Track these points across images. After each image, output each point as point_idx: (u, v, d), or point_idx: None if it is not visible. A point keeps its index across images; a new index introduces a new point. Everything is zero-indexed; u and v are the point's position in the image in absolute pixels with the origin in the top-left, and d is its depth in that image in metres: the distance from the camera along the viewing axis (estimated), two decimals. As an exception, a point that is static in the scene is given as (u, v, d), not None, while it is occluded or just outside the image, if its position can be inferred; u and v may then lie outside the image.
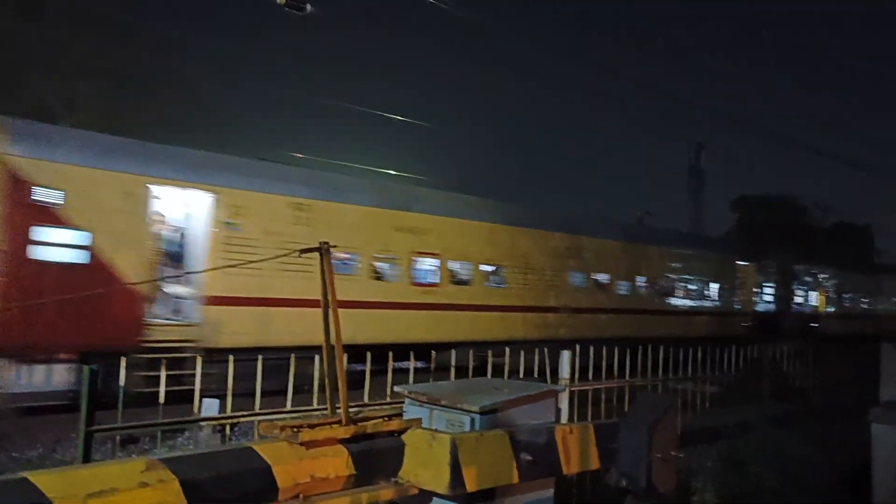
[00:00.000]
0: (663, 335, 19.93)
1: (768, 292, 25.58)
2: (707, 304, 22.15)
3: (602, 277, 17.79)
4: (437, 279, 13.31)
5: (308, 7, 11.17)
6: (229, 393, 4.99)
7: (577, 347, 6.21)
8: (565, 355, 5.93)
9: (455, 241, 13.48)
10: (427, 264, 13.29)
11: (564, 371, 5.94)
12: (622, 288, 18.44)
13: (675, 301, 20.65)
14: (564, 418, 5.91)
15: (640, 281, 19.19)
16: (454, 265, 13.72)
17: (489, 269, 14.53)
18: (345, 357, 3.29)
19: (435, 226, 13.22)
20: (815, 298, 28.64)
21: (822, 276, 29.09)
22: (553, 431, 3.69)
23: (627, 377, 6.78)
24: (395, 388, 4.02)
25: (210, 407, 8.31)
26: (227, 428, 4.38)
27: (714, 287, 22.51)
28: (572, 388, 6.02)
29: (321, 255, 3.23)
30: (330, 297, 3.22)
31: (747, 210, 47.24)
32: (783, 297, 26.17)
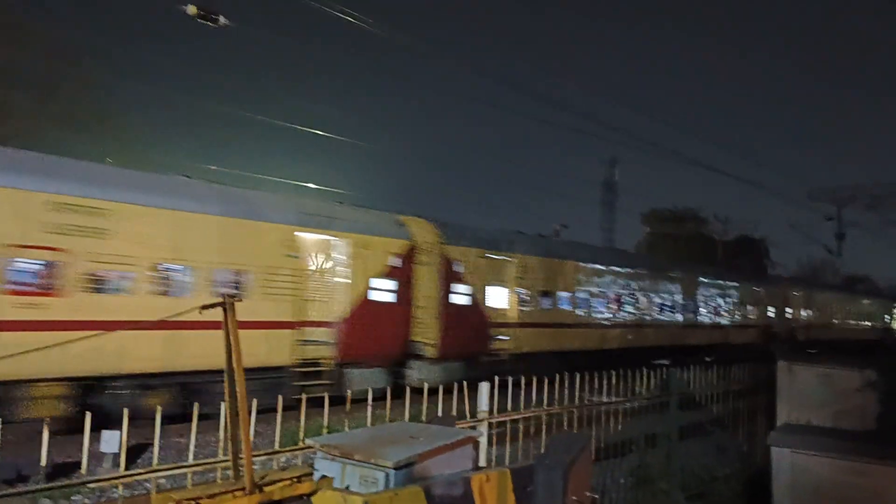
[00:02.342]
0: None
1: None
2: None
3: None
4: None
5: (221, 19, 10.73)
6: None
7: (497, 379, 6.20)
8: (484, 388, 5.90)
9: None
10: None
11: (483, 403, 5.90)
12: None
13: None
14: (483, 451, 5.87)
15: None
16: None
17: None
18: (252, 415, 3.10)
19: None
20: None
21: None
22: (470, 481, 3.61)
23: (545, 405, 6.84)
24: (307, 441, 3.83)
25: (110, 440, 7.74)
26: (121, 488, 4.02)
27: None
28: (491, 420, 5.99)
29: (224, 310, 3.03)
30: (234, 354, 3.02)
31: (657, 223, 49.45)
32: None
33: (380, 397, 5.94)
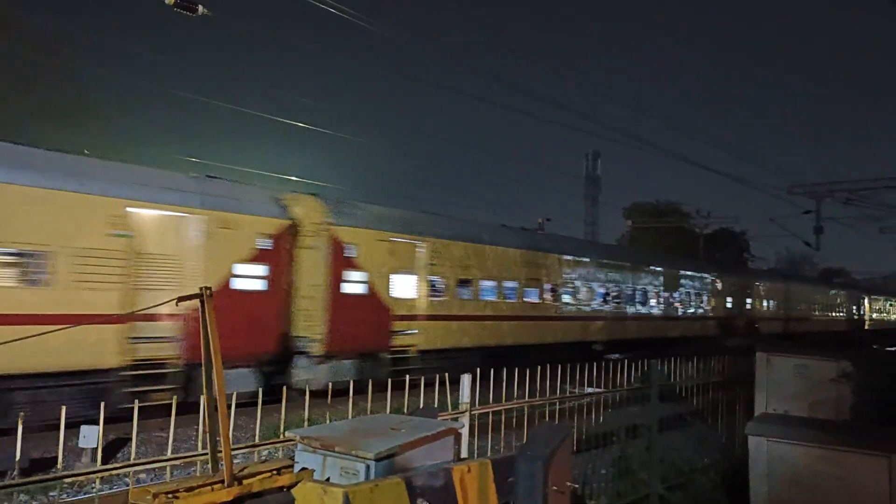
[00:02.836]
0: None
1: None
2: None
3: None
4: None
5: (200, 8, 10.58)
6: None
7: (479, 371, 6.22)
8: (465, 379, 5.90)
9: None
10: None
11: (465, 395, 5.91)
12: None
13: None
14: (465, 442, 5.89)
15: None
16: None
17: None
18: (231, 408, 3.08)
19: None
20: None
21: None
22: (451, 472, 3.62)
23: (527, 396, 6.88)
24: (287, 433, 3.81)
25: (89, 435, 7.64)
26: (98, 481, 3.98)
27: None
28: (473, 412, 6.01)
29: (202, 302, 3.00)
30: (213, 347, 2.99)
31: (639, 217, 49.82)
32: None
33: (360, 390, 5.94)
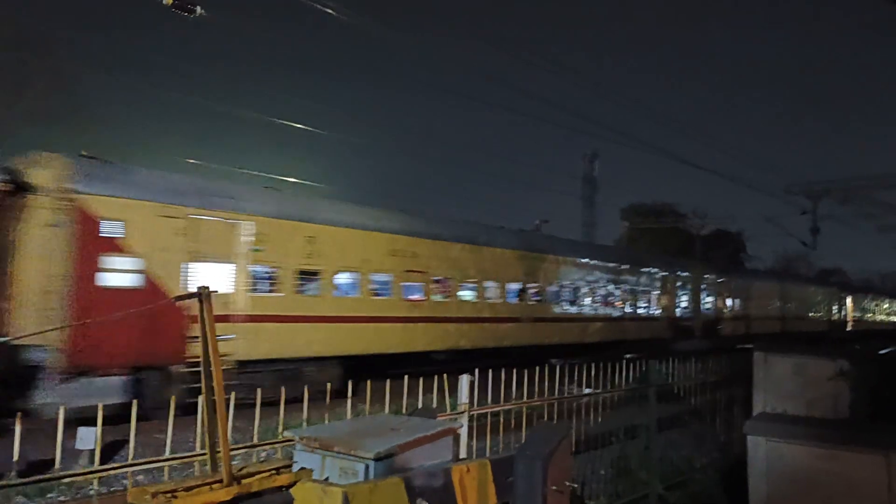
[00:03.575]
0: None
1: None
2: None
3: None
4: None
5: (198, 9, 10.58)
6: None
7: (477, 372, 6.22)
8: (464, 380, 5.91)
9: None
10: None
11: (464, 396, 5.92)
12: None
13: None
14: (464, 443, 5.89)
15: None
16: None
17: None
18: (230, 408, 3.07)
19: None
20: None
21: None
22: (450, 472, 3.62)
23: (525, 397, 6.89)
24: (286, 433, 3.81)
25: (86, 436, 7.61)
26: (97, 482, 3.96)
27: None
28: (472, 413, 6.02)
29: (200, 301, 3.00)
30: (211, 347, 2.99)
31: (636, 217, 49.89)
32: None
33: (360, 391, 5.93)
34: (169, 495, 2.70)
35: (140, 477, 6.11)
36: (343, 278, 14.20)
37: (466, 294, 17.25)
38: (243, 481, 2.96)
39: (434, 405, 5.90)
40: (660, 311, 25.53)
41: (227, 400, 3.89)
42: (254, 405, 4.70)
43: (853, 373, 7.08)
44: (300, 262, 13.12)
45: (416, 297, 15.70)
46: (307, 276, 13.28)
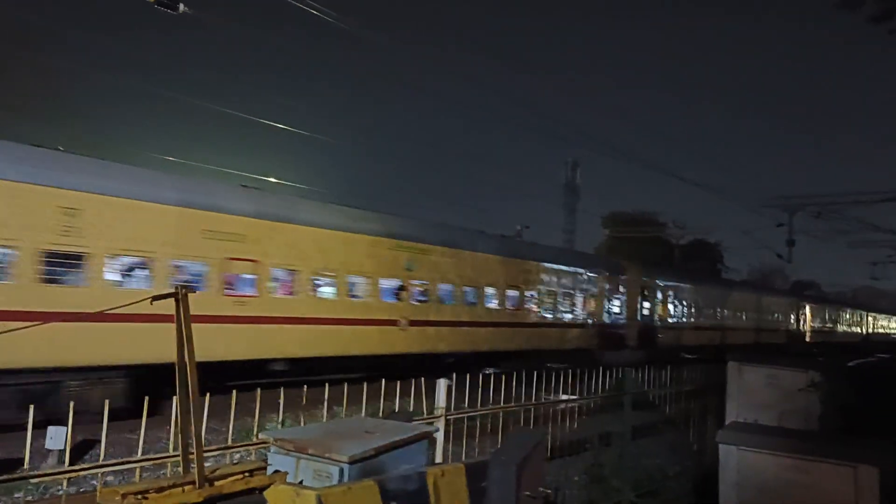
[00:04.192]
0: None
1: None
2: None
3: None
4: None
5: (181, 7, 10.49)
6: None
7: (454, 376, 6.22)
8: (442, 384, 5.91)
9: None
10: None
11: (441, 400, 5.92)
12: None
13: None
14: (440, 447, 5.88)
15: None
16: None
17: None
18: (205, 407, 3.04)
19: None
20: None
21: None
22: (425, 476, 3.62)
23: (503, 402, 6.90)
24: (261, 435, 3.78)
25: (56, 436, 7.48)
26: (65, 483, 3.89)
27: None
28: (448, 417, 6.02)
29: (177, 300, 2.97)
30: (187, 347, 2.96)
31: (617, 226, 50.31)
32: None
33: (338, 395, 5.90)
34: (139, 496, 2.66)
35: (110, 478, 6.02)
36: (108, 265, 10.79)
37: (323, 290, 14.03)
38: (216, 483, 2.93)
39: (411, 409, 5.89)
40: (587, 317, 22.12)
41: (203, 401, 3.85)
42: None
43: (824, 385, 7.20)
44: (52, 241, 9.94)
45: (251, 291, 12.51)
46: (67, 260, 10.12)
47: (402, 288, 15.62)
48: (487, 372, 14.01)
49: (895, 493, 5.21)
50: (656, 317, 25.87)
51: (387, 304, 15.24)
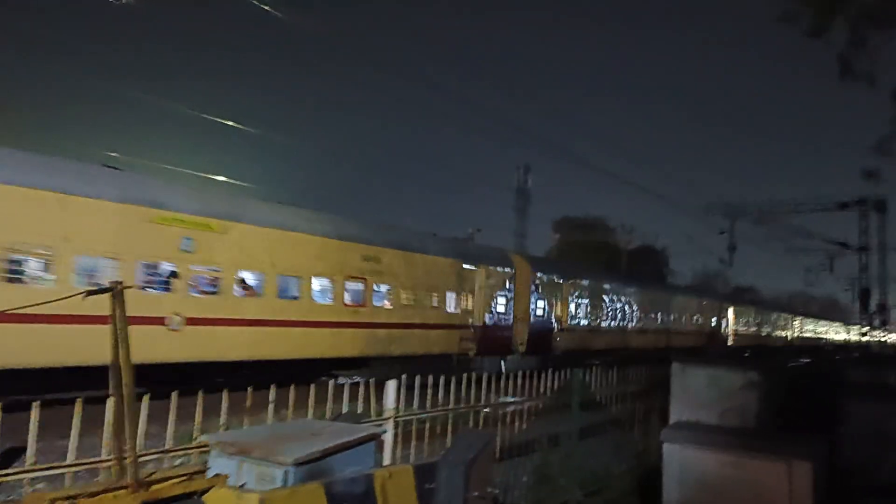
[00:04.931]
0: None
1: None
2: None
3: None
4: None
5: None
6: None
7: (404, 377, 6.18)
8: (391, 386, 5.87)
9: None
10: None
11: (390, 401, 5.87)
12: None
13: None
14: (388, 450, 5.83)
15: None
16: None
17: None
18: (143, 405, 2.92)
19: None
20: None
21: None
22: (372, 478, 3.58)
23: (452, 404, 6.89)
24: (202, 437, 3.66)
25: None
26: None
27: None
28: (397, 419, 5.98)
29: (113, 296, 2.84)
30: (121, 343, 2.84)
31: (567, 230, 51.17)
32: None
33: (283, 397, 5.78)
34: (69, 501, 2.53)
35: (41, 485, 5.73)
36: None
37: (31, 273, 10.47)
38: (152, 487, 2.82)
39: (359, 411, 5.82)
40: (463, 317, 18.41)
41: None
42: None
43: (762, 384, 7.46)
44: None
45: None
46: None
47: (174, 275, 12.08)
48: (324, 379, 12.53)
49: (827, 487, 5.45)
50: (553, 318, 22.54)
51: (148, 295, 11.59)
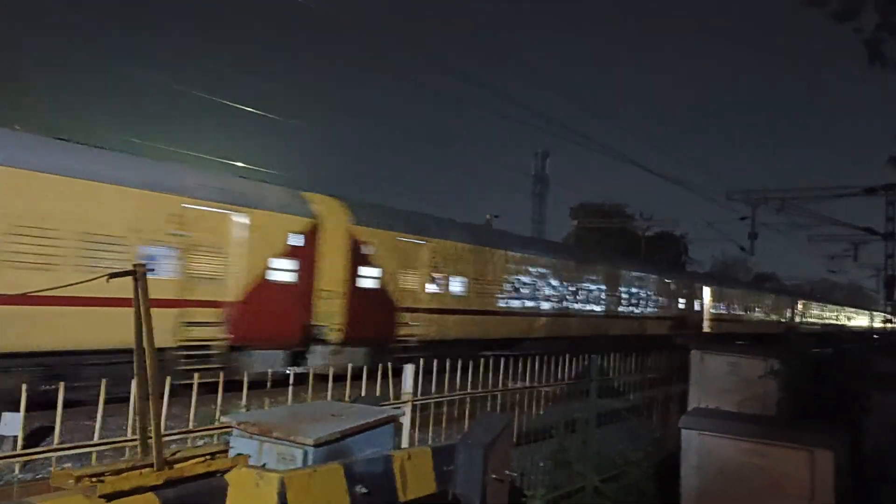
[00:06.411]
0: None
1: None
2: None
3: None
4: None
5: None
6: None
7: (422, 361, 6.21)
8: (408, 369, 5.90)
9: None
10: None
11: (408, 385, 5.91)
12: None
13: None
14: (406, 434, 5.88)
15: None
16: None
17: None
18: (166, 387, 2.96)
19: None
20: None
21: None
22: (391, 460, 3.60)
23: (469, 388, 6.92)
24: (223, 419, 3.71)
25: (11, 422, 7.28)
26: (18, 467, 3.77)
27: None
28: (415, 402, 6.01)
29: (135, 279, 2.88)
30: (145, 327, 2.87)
31: (585, 216, 50.78)
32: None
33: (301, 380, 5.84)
34: (95, 479, 2.58)
35: (68, 464, 5.88)
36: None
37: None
38: (175, 466, 2.86)
39: (378, 394, 5.86)
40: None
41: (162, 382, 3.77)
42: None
43: (782, 372, 7.40)
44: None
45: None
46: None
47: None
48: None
49: (848, 476, 5.39)
50: (400, 294, 15.81)
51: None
